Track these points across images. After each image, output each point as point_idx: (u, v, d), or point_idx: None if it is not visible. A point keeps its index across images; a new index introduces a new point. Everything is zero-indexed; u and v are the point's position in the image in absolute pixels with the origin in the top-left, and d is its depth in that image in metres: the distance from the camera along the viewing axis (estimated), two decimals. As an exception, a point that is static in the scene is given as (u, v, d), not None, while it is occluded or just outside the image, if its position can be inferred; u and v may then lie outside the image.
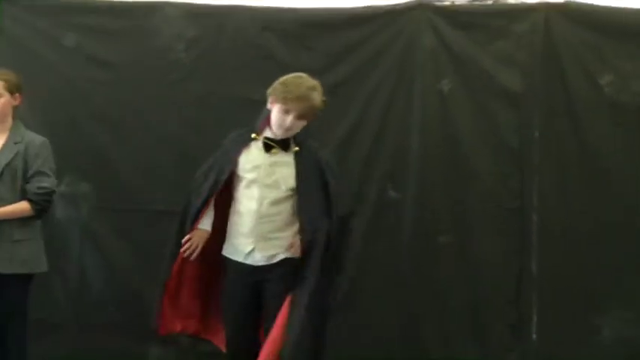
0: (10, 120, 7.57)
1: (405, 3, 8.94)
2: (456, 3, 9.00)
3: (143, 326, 8.29)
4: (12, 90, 7.55)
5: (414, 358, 8.77)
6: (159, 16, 8.97)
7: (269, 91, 7.07)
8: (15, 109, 7.62)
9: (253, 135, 7.13)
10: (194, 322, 7.50)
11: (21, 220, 7.42)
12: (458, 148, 8.82)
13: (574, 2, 8.92)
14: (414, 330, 8.82)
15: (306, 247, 7.01)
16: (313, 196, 7.04)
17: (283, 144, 7.11)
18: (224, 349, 7.27)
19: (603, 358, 8.51)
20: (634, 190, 8.73)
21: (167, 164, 8.90)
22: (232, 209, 7.15)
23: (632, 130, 8.76)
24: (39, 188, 7.42)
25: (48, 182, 7.49)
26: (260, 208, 7.03)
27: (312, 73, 8.04)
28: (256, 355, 6.91)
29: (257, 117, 7.16)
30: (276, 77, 8.26)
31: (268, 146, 7.11)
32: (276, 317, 6.91)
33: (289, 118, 7.00)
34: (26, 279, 7.57)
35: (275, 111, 7.05)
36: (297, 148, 7.14)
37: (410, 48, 8.88)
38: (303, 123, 7.06)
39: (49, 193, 7.52)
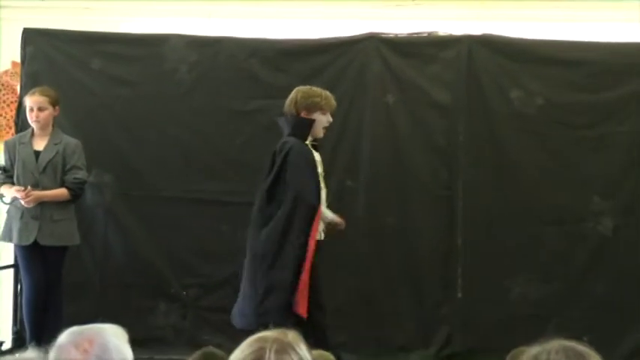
0: (51, 127, 8.27)
1: (359, 35, 9.31)
2: (398, 35, 9.32)
3: (153, 286, 9.15)
4: (53, 104, 8.24)
5: (367, 310, 9.05)
6: (167, 45, 9.35)
7: (313, 102, 7.64)
8: (55, 118, 8.30)
9: (308, 142, 7.65)
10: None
11: (59, 204, 8.10)
12: (399, 149, 9.18)
13: (490, 35, 9.26)
14: (367, 288, 9.12)
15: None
16: None
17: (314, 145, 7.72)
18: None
19: (513, 311, 8.74)
20: (535, 182, 9.05)
21: (173, 160, 9.29)
22: None
23: (534, 134, 9.08)
24: (74, 179, 8.15)
25: (81, 174, 8.21)
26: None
27: (286, 90, 8.45)
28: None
29: (298, 128, 7.56)
30: (259, 94, 9.14)
31: (315, 147, 7.70)
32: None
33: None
34: (62, 250, 8.24)
35: (324, 118, 7.68)
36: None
37: (362, 70, 9.26)
38: None
39: (82, 183, 8.22)
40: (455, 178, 9.22)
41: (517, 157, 9.18)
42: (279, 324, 5.36)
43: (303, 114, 7.67)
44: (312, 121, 7.67)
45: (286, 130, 7.72)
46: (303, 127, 7.67)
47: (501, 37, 9.39)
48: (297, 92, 7.78)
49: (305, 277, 7.25)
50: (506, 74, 9.25)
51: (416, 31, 9.44)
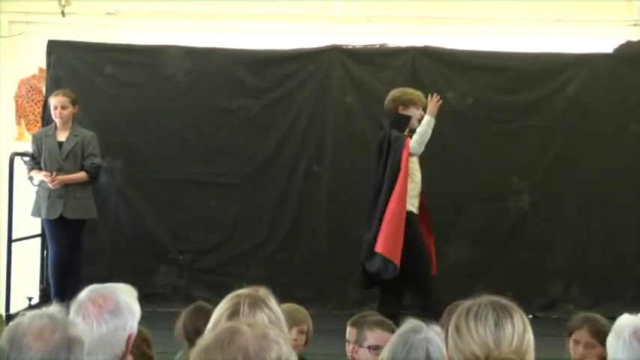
0: (71, 122, 8.29)
1: (324, 47, 9.35)
2: (356, 47, 9.37)
3: (155, 252, 9.19)
4: (73, 103, 8.26)
5: (330, 271, 9.05)
6: (166, 54, 9.37)
7: (409, 99, 7.67)
8: (74, 114, 8.34)
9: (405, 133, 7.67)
10: None
11: (79, 185, 8.15)
12: (356, 140, 9.14)
13: (430, 46, 9.35)
14: (330, 254, 9.10)
15: None
16: None
17: None
18: None
19: (449, 273, 8.44)
20: (466, 166, 9.12)
21: (172, 149, 9.30)
22: (410, 178, 7.56)
23: (466, 127, 9.20)
24: (92, 164, 8.19)
25: (97, 160, 8.24)
26: None
27: (263, 91, 8.96)
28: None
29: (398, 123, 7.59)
30: (243, 94, 9.14)
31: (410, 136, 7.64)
32: None
33: None
34: (83, 223, 8.31)
35: (417, 112, 7.64)
36: None
37: (327, 75, 9.31)
38: None
39: (98, 167, 8.26)
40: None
41: (451, 145, 9.19)
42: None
43: (400, 110, 7.72)
44: (409, 117, 7.71)
45: (387, 124, 7.80)
46: (401, 121, 7.70)
47: (439, 48, 9.45)
48: (395, 92, 7.85)
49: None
50: (443, 78, 9.25)
51: (370, 44, 9.51)
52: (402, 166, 7.51)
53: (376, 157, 7.77)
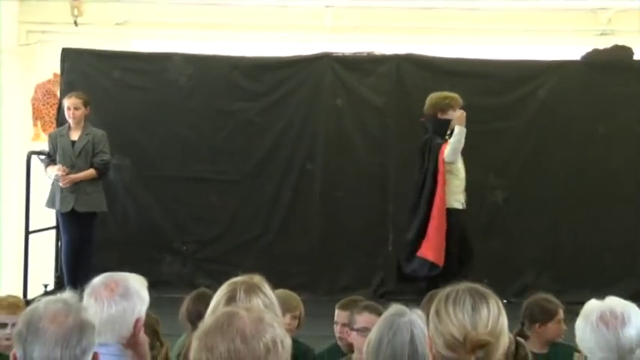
0: (83, 122, 8.22)
1: (316, 54, 9.36)
2: (345, 54, 9.36)
3: (161, 243, 9.18)
4: (85, 105, 8.20)
5: (324, 260, 9.08)
6: (170, 61, 9.35)
7: (446, 104, 7.63)
8: (86, 115, 8.26)
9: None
10: None
11: (90, 180, 8.09)
12: (346, 140, 9.21)
13: (413, 54, 9.35)
14: (321, 246, 9.15)
15: None
16: None
17: None
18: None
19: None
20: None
21: (176, 149, 9.28)
22: (455, 175, 7.59)
23: None
24: (101, 160, 8.13)
25: (106, 157, 8.18)
26: None
27: (260, 95, 8.95)
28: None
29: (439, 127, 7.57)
30: (241, 97, 9.13)
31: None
32: None
33: None
34: (93, 215, 8.26)
35: (455, 114, 7.55)
36: None
37: (318, 80, 9.29)
38: None
39: (107, 163, 8.19)
40: (387, 162, 9.26)
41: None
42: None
43: (439, 115, 7.66)
44: (449, 121, 7.63)
45: (430, 129, 7.74)
46: (442, 126, 7.64)
47: (422, 55, 9.46)
48: (433, 98, 7.80)
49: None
50: (425, 83, 9.11)
51: (358, 51, 9.51)
52: (439, 172, 7.52)
53: (419, 160, 7.78)
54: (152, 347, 4.34)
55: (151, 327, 4.43)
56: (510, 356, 4.12)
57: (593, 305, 3.28)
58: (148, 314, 4.20)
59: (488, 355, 2.63)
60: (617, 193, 9.19)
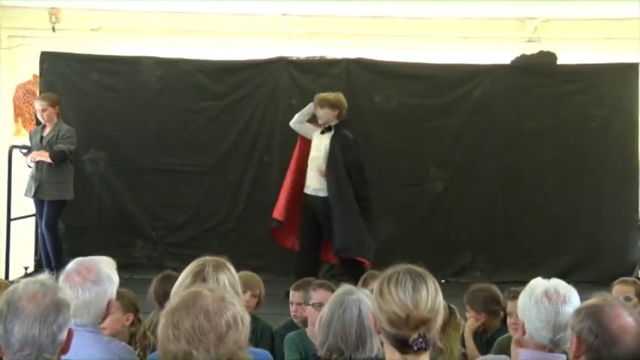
0: (55, 119, 8.10)
1: (273, 58, 9.27)
2: (299, 58, 9.28)
3: (133, 229, 9.12)
4: (52, 105, 8.10)
5: (280, 248, 8.56)
6: (141, 63, 9.28)
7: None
8: (57, 114, 8.12)
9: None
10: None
11: (53, 171, 7.97)
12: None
13: (361, 58, 9.30)
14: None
15: None
16: None
17: None
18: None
19: (377, 245, 7.95)
20: (391, 157, 9.01)
21: (147, 143, 9.20)
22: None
23: (390, 125, 9.13)
24: (56, 148, 7.95)
25: (62, 146, 7.99)
26: None
27: (223, 95, 8.93)
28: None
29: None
30: (205, 97, 9.06)
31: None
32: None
33: None
34: (56, 203, 8.09)
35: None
36: None
37: (275, 81, 9.23)
38: None
39: (61, 152, 7.98)
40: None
41: (378, 140, 9.15)
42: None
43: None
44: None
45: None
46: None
47: (369, 59, 9.42)
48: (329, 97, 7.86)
49: None
50: (371, 84, 9.26)
51: (311, 55, 9.45)
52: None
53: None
54: (133, 324, 4.38)
55: (134, 306, 4.45)
56: (445, 324, 4.11)
57: (538, 282, 3.31)
58: (128, 293, 4.26)
59: (428, 329, 2.65)
60: (543, 183, 9.24)
